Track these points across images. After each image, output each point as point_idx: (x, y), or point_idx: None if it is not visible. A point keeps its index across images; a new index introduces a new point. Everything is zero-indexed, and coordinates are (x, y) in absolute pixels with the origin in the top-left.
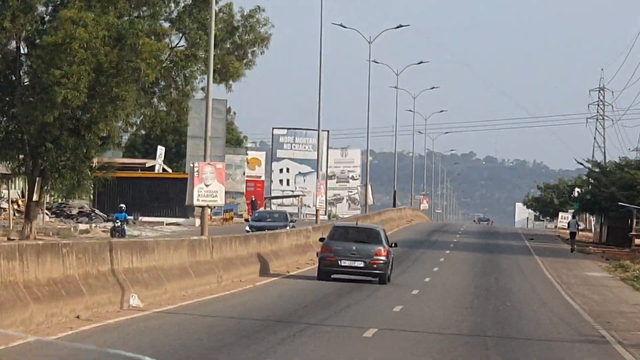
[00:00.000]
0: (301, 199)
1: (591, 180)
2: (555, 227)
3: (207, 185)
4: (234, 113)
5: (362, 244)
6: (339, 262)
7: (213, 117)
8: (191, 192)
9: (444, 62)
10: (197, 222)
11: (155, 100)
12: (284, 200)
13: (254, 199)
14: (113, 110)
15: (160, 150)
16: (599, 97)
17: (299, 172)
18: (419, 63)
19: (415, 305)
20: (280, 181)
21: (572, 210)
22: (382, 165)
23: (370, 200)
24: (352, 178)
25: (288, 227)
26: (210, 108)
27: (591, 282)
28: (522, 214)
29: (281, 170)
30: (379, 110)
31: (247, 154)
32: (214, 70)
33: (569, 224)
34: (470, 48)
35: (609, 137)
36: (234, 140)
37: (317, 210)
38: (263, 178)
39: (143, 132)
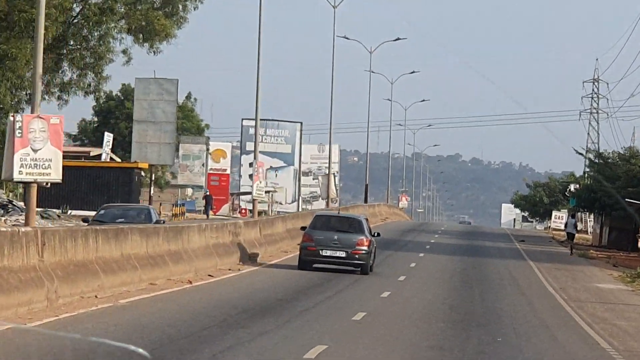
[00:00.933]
0: (272, 195)
1: (591, 173)
2: (547, 228)
3: (34, 151)
4: (195, 99)
5: (344, 234)
6: (320, 251)
7: (161, 99)
8: (9, 161)
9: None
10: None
11: (65, 63)
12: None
13: (207, 193)
14: (1, 72)
15: (108, 137)
16: (593, 90)
17: (270, 167)
18: (396, 39)
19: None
20: (250, 176)
21: (567, 209)
22: (368, 166)
23: (333, 193)
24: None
25: None
26: None
27: (607, 297)
28: (509, 215)
29: (251, 165)
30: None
31: (208, 144)
32: (136, 29)
33: (566, 223)
34: (459, 40)
35: (603, 132)
36: (195, 129)
37: (253, 201)
38: (229, 171)
39: (95, 118)
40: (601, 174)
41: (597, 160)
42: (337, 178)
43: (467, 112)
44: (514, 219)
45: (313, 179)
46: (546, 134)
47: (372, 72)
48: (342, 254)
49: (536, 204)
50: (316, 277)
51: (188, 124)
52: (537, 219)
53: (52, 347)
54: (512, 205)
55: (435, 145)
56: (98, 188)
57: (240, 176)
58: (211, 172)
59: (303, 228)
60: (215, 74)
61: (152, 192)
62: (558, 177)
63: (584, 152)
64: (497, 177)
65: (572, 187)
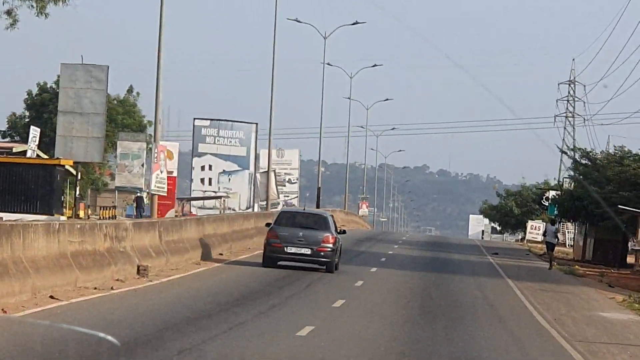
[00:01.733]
0: (224, 200)
1: (574, 175)
2: (520, 240)
3: None
4: (138, 94)
5: (310, 230)
6: (285, 248)
7: (89, 87)
8: None
9: (397, 62)
10: (62, 219)
11: None
12: (205, 202)
13: (138, 193)
14: None
15: (34, 132)
16: (569, 92)
17: (223, 170)
18: (373, 66)
19: None
20: (202, 180)
21: (543, 219)
22: (335, 176)
23: (273, 194)
24: (290, 182)
25: None
26: None
27: (623, 335)
28: (477, 226)
29: (203, 168)
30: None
31: (150, 142)
32: None
33: (545, 232)
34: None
35: (579, 138)
36: (136, 126)
37: (151, 197)
38: (176, 174)
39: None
40: (587, 178)
41: (583, 161)
42: (295, 180)
43: (435, 120)
44: (482, 231)
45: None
46: (515, 145)
47: (350, 99)
48: (307, 251)
49: (507, 214)
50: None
51: (129, 120)
52: (509, 230)
53: None
54: (482, 216)
55: (400, 151)
56: (14, 187)
57: (191, 180)
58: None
59: (268, 224)
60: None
61: (77, 192)
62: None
63: (563, 154)
64: (464, 189)
65: (551, 194)
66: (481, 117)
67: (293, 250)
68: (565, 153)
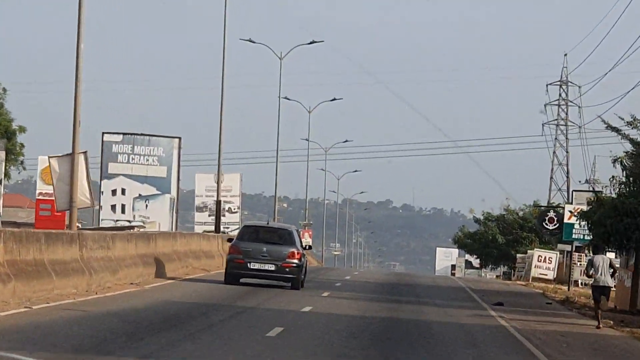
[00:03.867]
0: (139, 231)
1: (622, 180)
2: (503, 276)
3: None
4: (4, 90)
5: (274, 245)
6: (248, 264)
7: None
8: None
9: (356, 85)
10: None
11: None
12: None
13: None
14: None
15: None
16: (560, 95)
17: (140, 195)
18: (332, 100)
19: None
20: (113, 207)
21: (589, 244)
22: (297, 212)
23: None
24: (230, 210)
25: None
26: None
27: None
28: (444, 260)
29: (114, 192)
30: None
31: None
32: None
33: (592, 265)
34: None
35: (573, 152)
36: (2, 131)
37: None
38: None
39: None
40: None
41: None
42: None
43: (397, 154)
44: (453, 265)
45: (209, 216)
46: (481, 176)
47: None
48: (272, 267)
49: (488, 244)
50: None
51: None
52: (491, 266)
53: None
54: (454, 249)
55: (362, 192)
56: None
57: (100, 207)
58: (41, 197)
59: (230, 240)
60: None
61: None
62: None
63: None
64: (428, 224)
65: (572, 208)
66: (440, 145)
67: (257, 266)
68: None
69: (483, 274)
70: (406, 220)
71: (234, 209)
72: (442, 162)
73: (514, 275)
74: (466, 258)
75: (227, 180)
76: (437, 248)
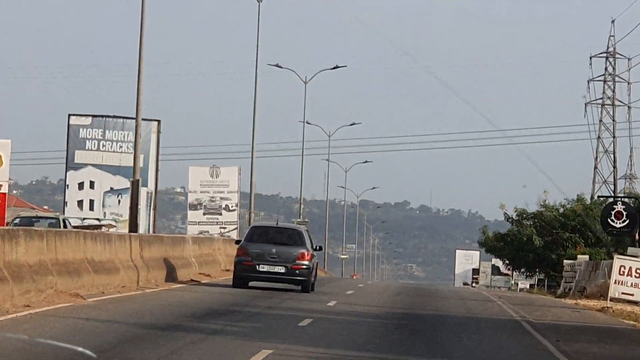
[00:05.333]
0: (108, 230)
1: None
2: (533, 285)
3: None
4: None
5: (283, 247)
6: (257, 266)
7: None
8: None
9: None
10: None
11: None
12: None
13: None
14: None
15: None
16: (606, 68)
17: (111, 189)
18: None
19: None
20: (80, 203)
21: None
22: (312, 214)
23: None
24: (227, 208)
25: None
26: None
27: None
28: (465, 264)
29: (81, 186)
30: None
31: None
32: None
33: None
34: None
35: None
36: None
37: None
38: (5, 189)
39: None
40: None
41: None
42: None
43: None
44: (474, 269)
45: (204, 214)
46: (499, 177)
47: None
48: (281, 269)
49: (522, 246)
50: None
51: None
52: (523, 271)
53: None
54: (476, 250)
55: (374, 188)
56: None
57: (65, 203)
58: None
59: (238, 242)
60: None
61: None
62: (507, 226)
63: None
64: (445, 225)
65: None
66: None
67: (266, 268)
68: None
69: (513, 282)
70: (424, 221)
71: (232, 206)
72: (462, 160)
73: (555, 285)
74: (493, 263)
75: (224, 174)
76: (457, 250)
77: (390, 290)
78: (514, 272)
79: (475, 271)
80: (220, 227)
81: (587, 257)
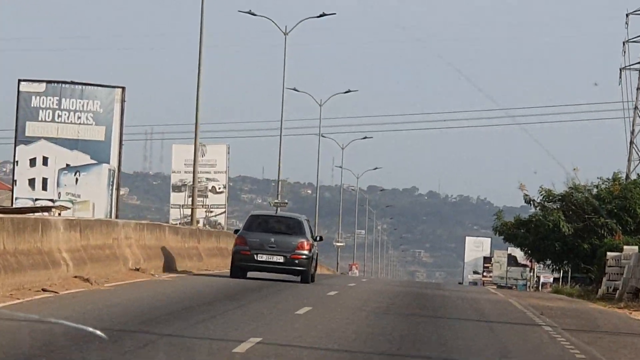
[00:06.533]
0: (60, 214)
1: None
2: (557, 279)
3: None
4: None
5: (282, 236)
6: (255, 256)
7: None
8: None
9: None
10: None
11: None
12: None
13: None
14: None
15: None
16: None
17: (68, 166)
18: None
19: None
20: (31, 182)
21: None
22: (322, 198)
23: None
24: (214, 190)
25: None
26: None
27: None
28: (475, 251)
29: (33, 162)
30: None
31: None
32: None
33: None
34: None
35: None
36: None
37: None
38: None
39: None
40: None
41: None
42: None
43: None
44: (486, 258)
45: (189, 197)
46: (514, 158)
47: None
48: (280, 259)
49: (547, 234)
50: None
51: None
52: (547, 262)
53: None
54: (495, 234)
55: (376, 169)
56: None
57: (14, 181)
58: None
59: (236, 231)
60: None
61: None
62: (516, 211)
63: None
64: (454, 211)
65: None
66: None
67: (264, 258)
68: None
69: (531, 274)
70: (432, 207)
71: (219, 188)
72: (471, 143)
73: (585, 279)
74: (509, 252)
75: (211, 152)
76: (467, 237)
77: (380, 297)
78: (536, 264)
79: (487, 259)
80: (206, 211)
81: (635, 248)
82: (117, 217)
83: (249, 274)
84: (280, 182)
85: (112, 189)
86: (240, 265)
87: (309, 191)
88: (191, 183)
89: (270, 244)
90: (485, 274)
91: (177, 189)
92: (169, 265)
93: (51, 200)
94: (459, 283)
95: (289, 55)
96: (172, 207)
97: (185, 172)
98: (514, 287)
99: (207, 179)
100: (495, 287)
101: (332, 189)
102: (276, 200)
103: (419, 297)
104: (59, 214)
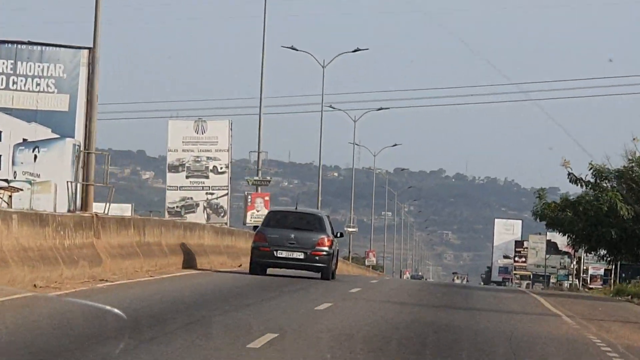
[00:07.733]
0: (10, 197)
1: None
2: (608, 270)
3: None
4: None
5: (303, 232)
6: (275, 252)
7: None
8: None
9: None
10: None
11: None
12: None
13: None
14: None
15: None
16: None
17: (24, 140)
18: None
19: None
20: None
21: None
22: (348, 181)
23: None
24: (215, 171)
25: None
26: None
27: None
28: (504, 234)
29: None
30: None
31: None
32: None
33: None
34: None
35: None
36: None
37: None
38: None
39: None
40: None
41: None
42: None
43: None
44: (517, 242)
45: (187, 177)
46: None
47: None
48: (300, 255)
49: (601, 219)
50: None
51: None
52: (604, 254)
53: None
54: (536, 219)
55: (395, 145)
56: None
57: None
58: None
59: (255, 227)
60: None
61: None
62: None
63: None
64: (481, 193)
65: None
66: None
67: (284, 254)
68: None
69: (574, 264)
70: (459, 189)
71: (221, 167)
72: (500, 122)
73: None
74: (548, 238)
75: (211, 129)
76: (496, 220)
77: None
78: (588, 254)
79: (519, 244)
80: (207, 193)
81: None
82: (86, 202)
83: (269, 271)
84: (259, 156)
85: (76, 167)
86: (260, 262)
87: (336, 174)
88: (190, 162)
89: (290, 240)
90: (517, 259)
91: (174, 169)
92: (189, 263)
93: (5, 180)
94: (482, 283)
95: None
96: (168, 189)
97: (183, 150)
98: (556, 281)
99: (208, 157)
100: (530, 280)
101: (358, 171)
102: (256, 178)
103: (431, 326)
104: (10, 197)
